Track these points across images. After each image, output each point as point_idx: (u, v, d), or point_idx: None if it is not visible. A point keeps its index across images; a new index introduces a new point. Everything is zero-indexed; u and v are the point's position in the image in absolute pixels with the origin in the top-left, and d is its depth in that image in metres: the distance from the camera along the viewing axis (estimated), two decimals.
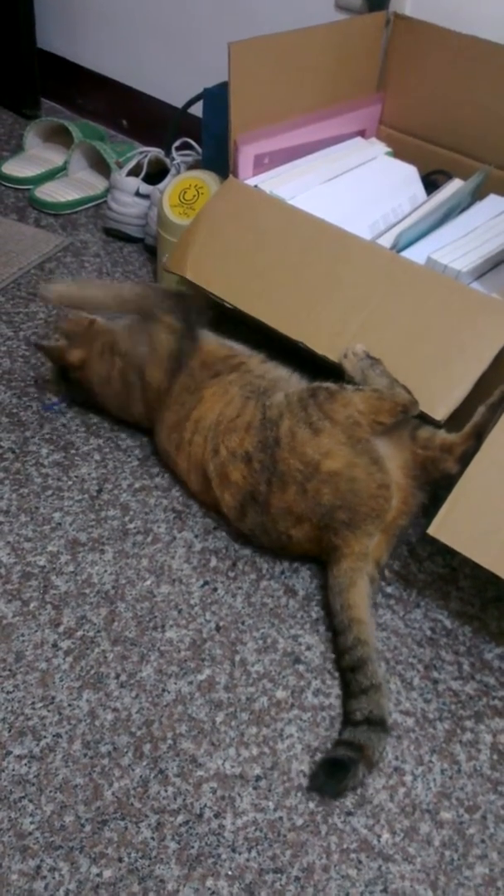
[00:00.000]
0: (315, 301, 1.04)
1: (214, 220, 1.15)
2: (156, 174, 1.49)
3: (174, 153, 1.49)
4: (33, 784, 0.75)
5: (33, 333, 1.27)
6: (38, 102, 1.88)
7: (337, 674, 0.86)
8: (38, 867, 0.70)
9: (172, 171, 1.47)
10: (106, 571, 0.94)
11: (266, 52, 1.14)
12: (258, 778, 0.77)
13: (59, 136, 1.70)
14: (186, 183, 1.30)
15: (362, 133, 1.36)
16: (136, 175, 1.48)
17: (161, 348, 1.03)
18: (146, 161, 1.49)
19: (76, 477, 1.05)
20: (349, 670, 0.82)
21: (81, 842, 0.72)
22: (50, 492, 1.03)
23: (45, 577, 0.93)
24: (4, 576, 0.93)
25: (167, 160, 1.49)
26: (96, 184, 1.62)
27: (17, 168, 1.63)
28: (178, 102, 1.44)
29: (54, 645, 0.86)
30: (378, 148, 1.32)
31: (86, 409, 1.14)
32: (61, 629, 0.88)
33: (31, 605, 0.90)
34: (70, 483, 1.04)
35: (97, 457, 1.08)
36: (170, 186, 1.30)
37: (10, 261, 1.40)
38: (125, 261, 1.45)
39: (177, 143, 1.48)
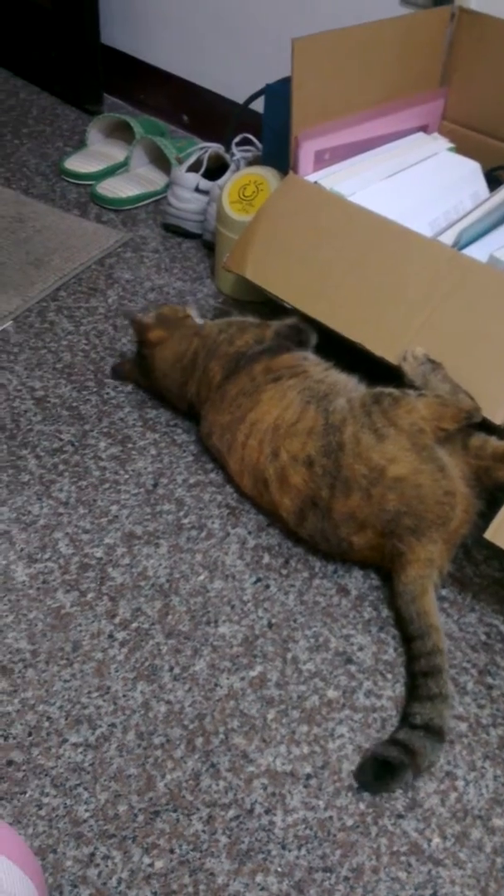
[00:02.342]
0: (374, 301, 1.04)
1: (274, 217, 1.15)
2: (216, 170, 1.50)
3: (234, 149, 1.49)
4: (88, 772, 0.77)
5: (93, 328, 1.28)
6: (101, 98, 1.90)
7: (389, 676, 0.86)
8: (92, 854, 0.71)
9: (232, 166, 1.47)
10: (161, 565, 0.95)
11: (329, 47, 1.13)
12: (309, 776, 0.78)
13: (121, 132, 1.72)
14: (246, 179, 1.30)
15: (424, 128, 1.35)
16: (196, 171, 1.49)
17: (234, 347, 1.04)
18: (206, 157, 1.49)
19: (133, 471, 1.06)
20: (422, 675, 0.81)
21: (134, 831, 0.73)
22: (107, 485, 1.04)
23: (101, 568, 0.95)
24: (63, 566, 0.94)
25: (227, 156, 1.49)
26: (156, 179, 1.63)
27: (80, 164, 1.65)
28: (239, 98, 1.44)
29: (110, 636, 0.88)
30: (440, 143, 1.30)
31: (142, 398, 1.15)
32: (117, 620, 0.89)
33: (89, 595, 0.92)
34: (127, 477, 1.05)
35: (153, 451, 1.09)
36: (229, 182, 1.30)
37: (72, 256, 1.42)
38: (183, 256, 1.46)
39: (237, 139, 1.49)
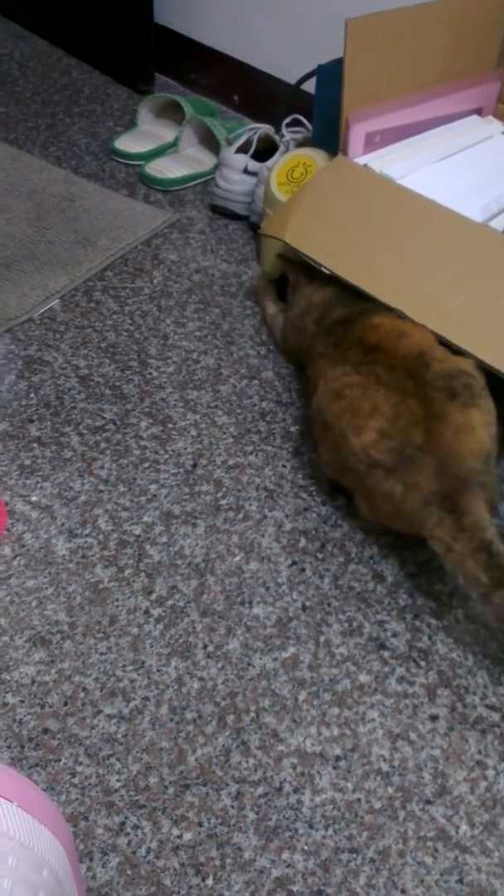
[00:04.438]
0: (418, 274, 1.03)
1: (320, 192, 1.14)
2: (265, 151, 1.49)
3: (284, 130, 1.48)
4: (121, 743, 0.78)
5: (138, 309, 1.29)
6: (152, 78, 1.90)
7: (423, 663, 0.86)
8: (122, 824, 0.73)
9: (282, 148, 1.47)
10: (197, 545, 0.96)
11: (383, 28, 1.12)
12: (338, 758, 0.78)
13: (172, 112, 1.72)
14: (295, 161, 1.29)
15: (479, 111, 1.32)
16: (245, 152, 1.48)
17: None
18: (255, 138, 1.49)
19: (172, 451, 1.07)
20: None
21: (164, 803, 0.74)
22: (147, 464, 1.05)
23: (139, 546, 0.96)
24: (102, 542, 0.96)
25: (277, 137, 1.49)
26: (205, 160, 1.63)
27: (129, 144, 1.66)
28: (291, 78, 1.44)
29: (146, 612, 0.89)
30: (495, 126, 1.28)
31: (183, 379, 1.16)
32: (153, 597, 0.91)
33: (126, 571, 0.93)
34: (166, 457, 1.06)
35: (193, 432, 1.10)
36: (278, 164, 1.30)
37: (119, 236, 1.43)
38: (229, 238, 1.46)
39: (287, 120, 1.48)
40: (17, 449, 1.06)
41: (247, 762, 0.78)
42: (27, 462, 1.04)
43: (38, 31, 2.12)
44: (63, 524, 0.97)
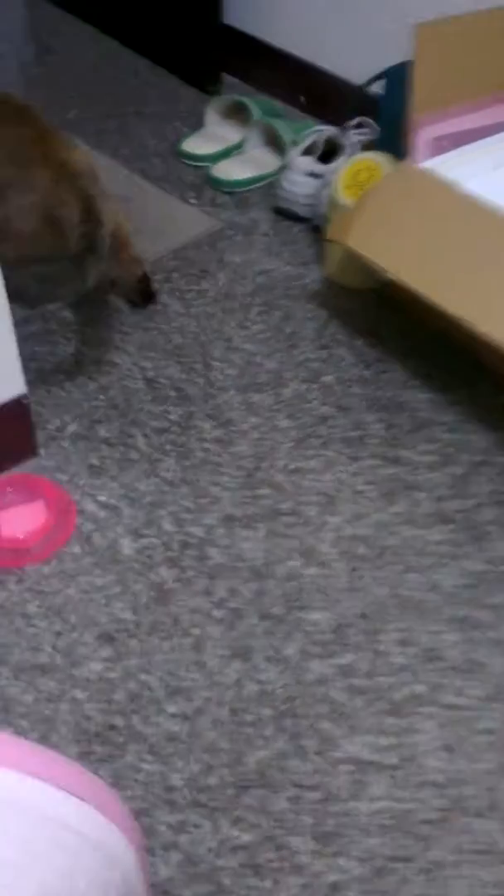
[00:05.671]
0: (483, 282, 1.03)
1: (384, 197, 1.15)
2: (330, 153, 1.50)
3: (350, 132, 1.48)
4: (184, 742, 0.81)
5: (203, 311, 1.31)
6: (219, 79, 1.91)
7: (479, 677, 0.87)
8: (183, 822, 0.76)
9: (347, 150, 1.47)
10: (257, 548, 0.98)
11: (453, 33, 1.12)
12: (394, 767, 0.80)
13: (238, 113, 1.73)
14: (360, 165, 1.29)
15: None
16: (311, 154, 1.49)
17: None
18: (321, 140, 1.49)
19: (234, 453, 1.09)
20: None
21: (224, 803, 0.77)
22: (209, 466, 1.08)
23: (201, 547, 0.98)
24: (166, 543, 0.99)
25: (343, 139, 1.49)
26: (270, 162, 1.64)
27: (196, 145, 1.68)
28: (358, 79, 1.44)
29: (207, 614, 0.92)
30: None
31: (247, 382, 1.18)
32: (214, 599, 0.93)
33: (189, 573, 0.96)
34: (228, 459, 1.09)
35: (255, 435, 1.12)
36: (343, 168, 1.30)
37: (184, 238, 1.45)
38: (293, 240, 1.47)
39: (353, 122, 1.48)
40: (87, 450, 1.09)
41: (304, 766, 0.80)
42: (96, 462, 1.08)
43: (110, 33, 2.14)
44: (129, 524, 1.01)
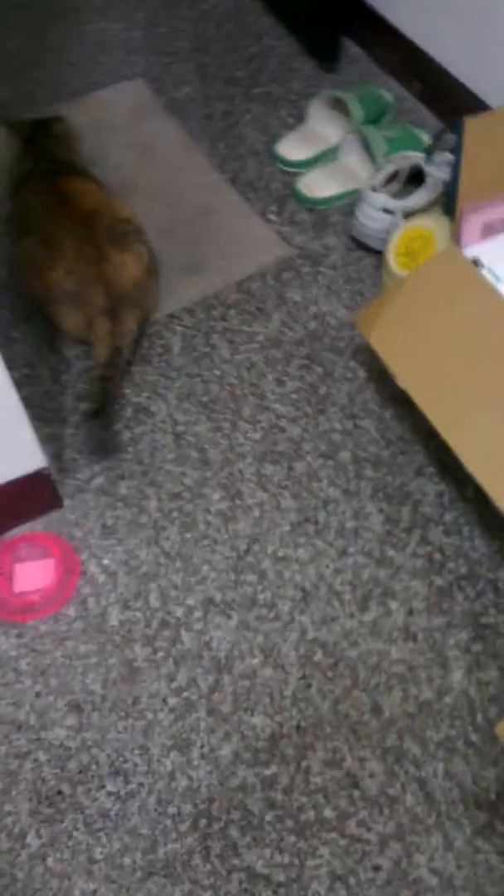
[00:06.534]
0: (488, 413, 1.00)
1: (418, 288, 1.12)
2: (415, 177, 1.43)
3: (434, 166, 1.40)
4: (112, 821, 0.96)
5: (246, 359, 1.35)
6: (337, 52, 1.83)
7: (386, 811, 0.94)
8: (95, 892, 0.91)
9: (430, 185, 1.40)
10: (225, 639, 1.08)
11: (502, 125, 1.04)
12: (279, 885, 0.90)
13: (343, 106, 1.66)
14: (415, 232, 1.25)
15: None
16: (393, 180, 1.43)
17: None
18: (406, 167, 1.43)
19: (232, 532, 1.17)
20: None
21: (130, 883, 0.92)
22: (206, 542, 1.16)
23: (177, 629, 1.09)
24: (148, 619, 1.10)
25: (427, 169, 1.41)
26: (362, 174, 1.58)
27: (290, 148, 1.64)
28: (468, 80, 1.35)
29: (164, 700, 1.04)
30: None
31: (266, 449, 1.23)
32: (174, 686, 1.05)
33: (159, 654, 1.07)
34: (225, 537, 1.17)
35: (256, 513, 1.18)
36: (397, 234, 1.26)
37: (252, 267, 1.46)
38: (358, 277, 1.45)
39: (439, 158, 1.39)
40: (105, 506, 1.21)
41: (203, 867, 0.92)
42: (109, 522, 1.20)
43: None
44: (121, 594, 1.13)
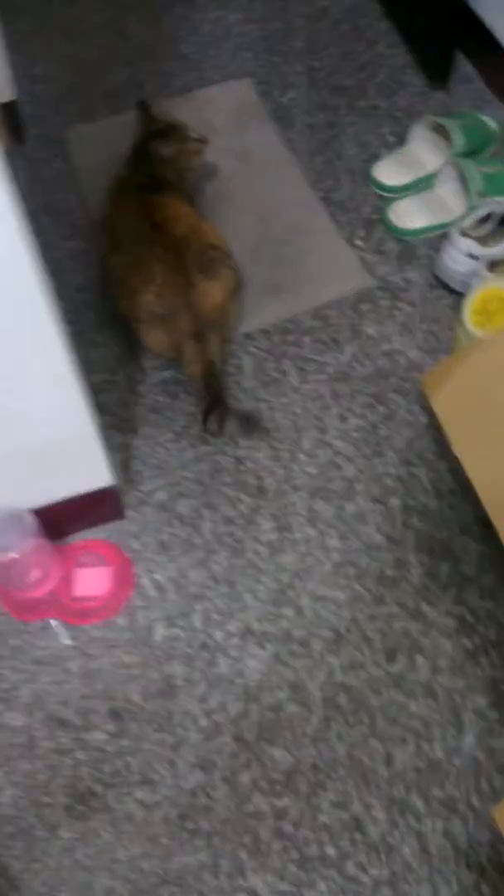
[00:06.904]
0: None
1: (489, 360, 1.14)
2: None
3: None
4: (137, 825, 1.06)
5: (314, 390, 1.40)
6: (448, 70, 1.80)
7: (384, 857, 1.01)
8: (113, 890, 1.02)
9: None
10: (258, 669, 1.15)
11: None
12: None
13: (446, 132, 1.65)
14: (492, 293, 1.25)
15: None
16: (488, 219, 1.43)
17: None
18: (499, 213, 1.42)
19: (278, 564, 1.23)
20: None
21: (145, 886, 1.02)
22: (252, 571, 1.23)
23: (214, 653, 1.17)
24: (189, 639, 1.18)
25: None
26: (455, 208, 1.58)
27: (387, 172, 1.64)
28: None
29: (195, 719, 1.12)
30: None
31: (319, 484, 1.28)
32: (206, 707, 1.13)
33: (195, 675, 1.16)
34: (271, 568, 1.23)
35: (303, 548, 1.24)
36: (474, 293, 1.27)
37: (332, 294, 1.49)
38: (436, 316, 1.46)
39: None
40: (163, 522, 1.29)
41: (212, 882, 1.01)
42: (166, 538, 1.28)
43: None
44: (169, 610, 1.21)
